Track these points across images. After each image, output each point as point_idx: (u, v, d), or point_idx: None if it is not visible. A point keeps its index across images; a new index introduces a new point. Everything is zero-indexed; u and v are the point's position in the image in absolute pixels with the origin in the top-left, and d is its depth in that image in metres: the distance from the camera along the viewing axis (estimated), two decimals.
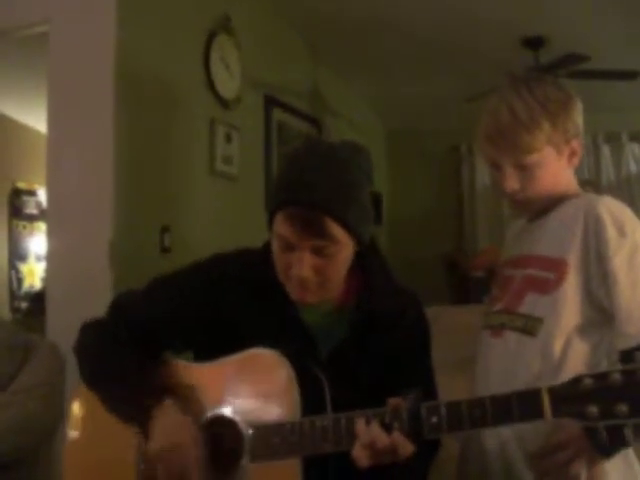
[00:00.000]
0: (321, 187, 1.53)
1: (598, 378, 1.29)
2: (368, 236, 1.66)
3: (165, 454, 1.55)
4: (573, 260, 1.73)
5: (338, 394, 1.63)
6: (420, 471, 1.69)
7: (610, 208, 1.72)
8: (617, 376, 1.27)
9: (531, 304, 1.79)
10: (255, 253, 1.76)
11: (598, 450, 1.45)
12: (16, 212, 7.02)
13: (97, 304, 1.86)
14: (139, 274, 1.89)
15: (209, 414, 1.63)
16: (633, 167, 6.72)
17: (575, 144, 1.86)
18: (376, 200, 1.69)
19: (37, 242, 7.07)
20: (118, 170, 3.43)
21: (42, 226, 6.86)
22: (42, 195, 6.88)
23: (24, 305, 6.84)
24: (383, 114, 7.06)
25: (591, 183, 6.12)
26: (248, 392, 1.61)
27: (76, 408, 1.80)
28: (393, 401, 1.45)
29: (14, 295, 6.95)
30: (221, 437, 1.61)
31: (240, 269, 1.75)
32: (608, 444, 1.31)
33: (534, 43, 5.21)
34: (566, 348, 1.71)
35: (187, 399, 1.65)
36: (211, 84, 4.22)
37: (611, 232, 1.68)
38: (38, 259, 7.05)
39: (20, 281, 7.03)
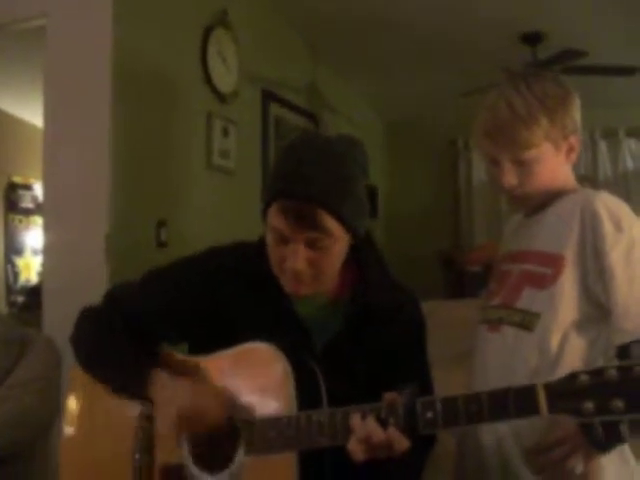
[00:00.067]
0: (318, 180, 1.53)
1: (594, 374, 1.29)
2: (363, 230, 1.66)
3: (186, 406, 1.57)
4: (570, 255, 1.73)
5: (333, 387, 1.62)
6: (416, 466, 1.69)
7: (607, 204, 1.73)
8: (613, 372, 1.27)
9: (528, 299, 1.79)
10: (251, 246, 1.76)
11: (594, 446, 1.45)
12: (12, 206, 7.01)
13: (93, 298, 1.86)
14: (135, 268, 1.89)
15: None
16: (630, 163, 6.71)
17: (573, 140, 1.86)
18: (371, 193, 1.69)
19: (33, 236, 7.06)
20: (114, 164, 3.42)
21: (38, 220, 6.85)
22: (38, 189, 6.88)
23: (20, 299, 6.84)
24: (380, 109, 7.05)
25: (588, 179, 6.13)
26: (244, 386, 1.61)
27: (72, 402, 1.80)
28: (389, 396, 1.45)
29: (10, 289, 6.94)
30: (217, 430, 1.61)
31: (235, 262, 1.75)
32: (604, 440, 1.31)
33: (532, 39, 5.20)
34: (563, 343, 1.72)
35: None
36: (208, 78, 4.21)
37: (608, 227, 1.68)
38: (34, 253, 7.04)
39: (16, 275, 7.02)
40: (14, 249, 7.01)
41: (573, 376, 1.31)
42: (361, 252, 1.73)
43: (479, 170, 6.97)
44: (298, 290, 1.64)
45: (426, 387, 1.70)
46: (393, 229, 6.97)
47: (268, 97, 4.97)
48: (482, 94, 1.99)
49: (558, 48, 4.88)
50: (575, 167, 1.94)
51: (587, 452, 1.53)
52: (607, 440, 1.32)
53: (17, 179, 7.01)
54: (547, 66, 4.92)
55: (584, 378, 1.29)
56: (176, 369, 1.67)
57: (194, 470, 1.59)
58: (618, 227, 1.68)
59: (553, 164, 1.85)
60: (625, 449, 1.71)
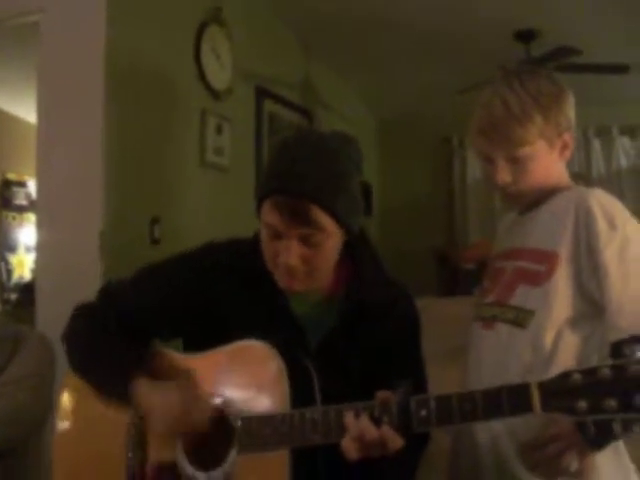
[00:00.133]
0: (311, 177, 1.53)
1: (587, 373, 1.29)
2: (357, 226, 1.66)
3: (166, 407, 1.56)
4: (564, 252, 1.73)
5: (327, 384, 1.63)
6: (410, 464, 1.69)
7: (601, 201, 1.73)
8: (606, 371, 1.27)
9: (522, 296, 1.79)
10: (245, 243, 1.76)
11: (588, 443, 1.45)
12: (5, 203, 7.01)
13: (87, 295, 1.85)
14: (129, 265, 1.89)
15: None
16: (623, 161, 6.73)
17: (567, 137, 1.86)
18: (366, 190, 1.69)
19: (27, 233, 7.06)
20: (108, 161, 3.42)
21: (32, 217, 6.84)
22: (32, 186, 6.87)
23: (13, 296, 6.83)
24: (374, 106, 7.06)
25: (582, 176, 6.13)
26: (238, 384, 1.61)
27: (65, 399, 1.79)
28: (382, 394, 1.45)
29: (3, 286, 6.95)
30: (210, 428, 1.61)
31: (229, 258, 1.75)
32: (596, 438, 1.31)
33: (526, 36, 5.20)
34: (557, 340, 1.72)
35: None
36: (202, 75, 4.21)
37: (602, 225, 1.68)
38: (27, 250, 7.04)
39: (9, 272, 7.02)
40: (7, 246, 7.01)
41: (567, 375, 1.31)
42: (355, 249, 1.73)
43: (473, 168, 6.98)
44: (291, 286, 1.64)
45: (420, 383, 1.71)
46: (387, 226, 6.97)
47: (262, 94, 4.97)
48: (476, 91, 1.99)
49: (552, 46, 4.88)
50: (569, 165, 1.94)
51: (582, 449, 1.53)
52: (600, 437, 1.32)
53: (11, 176, 7.01)
54: (541, 63, 4.92)
55: (577, 377, 1.30)
56: (166, 371, 1.67)
57: (188, 468, 1.59)
58: (612, 224, 1.68)
59: (547, 161, 1.85)
60: (619, 445, 1.71)
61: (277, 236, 1.58)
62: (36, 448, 2.55)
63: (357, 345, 1.69)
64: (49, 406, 2.42)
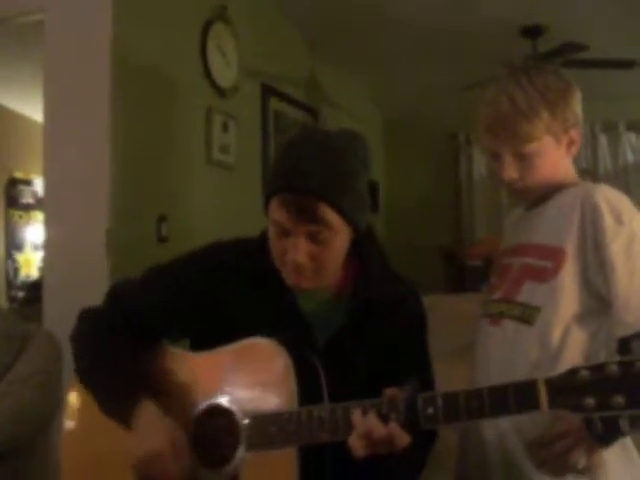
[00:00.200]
0: (317, 175, 1.53)
1: (595, 370, 1.29)
2: (364, 224, 1.66)
3: (143, 462, 1.54)
4: (570, 248, 1.73)
5: (334, 382, 1.62)
6: (417, 462, 1.69)
7: (607, 196, 1.73)
8: (614, 367, 1.27)
9: (529, 293, 1.79)
10: (252, 241, 1.76)
11: (596, 440, 1.45)
12: (12, 202, 7.02)
13: (94, 293, 1.86)
14: (136, 263, 1.89)
15: (205, 403, 1.63)
16: (630, 156, 6.71)
17: (574, 133, 1.86)
18: (372, 188, 1.69)
19: (33, 231, 7.07)
20: (115, 159, 3.42)
21: (38, 215, 6.86)
22: (38, 184, 6.88)
23: (21, 294, 6.85)
24: (380, 103, 7.05)
25: (589, 172, 6.13)
26: (245, 381, 1.61)
27: (73, 397, 1.80)
28: (390, 392, 1.45)
29: (11, 284, 6.96)
30: (217, 427, 1.61)
31: (237, 258, 1.75)
32: (604, 434, 1.31)
33: (532, 32, 5.19)
34: (564, 337, 1.72)
35: (180, 390, 1.66)
36: (208, 73, 4.21)
37: (608, 220, 1.68)
38: (34, 248, 7.05)
39: (17, 270, 7.03)
40: (14, 244, 7.02)
41: (574, 371, 1.31)
42: (362, 247, 1.73)
43: (480, 164, 6.98)
44: (299, 283, 1.64)
45: (427, 380, 1.71)
46: (394, 223, 6.96)
47: (268, 91, 4.97)
48: (483, 88, 1.99)
49: (558, 42, 4.87)
50: (575, 161, 1.94)
51: (590, 446, 1.53)
52: (607, 434, 1.32)
53: (18, 174, 7.01)
54: (547, 59, 4.91)
55: (585, 373, 1.29)
56: (171, 372, 1.68)
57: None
58: (618, 220, 1.68)
59: (554, 157, 1.84)
60: (627, 441, 1.71)
61: (285, 234, 1.58)
62: (43, 446, 2.55)
63: (364, 343, 1.69)
64: (56, 404, 2.42)
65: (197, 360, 1.69)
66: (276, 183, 1.59)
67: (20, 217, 7.09)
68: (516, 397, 1.35)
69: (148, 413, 1.59)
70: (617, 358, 1.29)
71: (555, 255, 1.76)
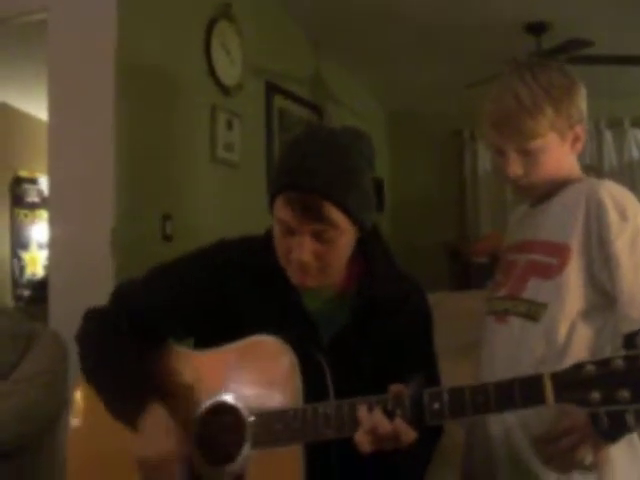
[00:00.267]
0: (321, 173, 1.53)
1: (600, 364, 1.29)
2: (370, 222, 1.66)
3: (146, 464, 1.55)
4: (575, 245, 1.73)
5: (340, 380, 1.63)
6: (423, 457, 1.69)
7: (612, 192, 1.72)
8: (619, 362, 1.27)
9: (534, 289, 1.79)
10: (257, 240, 1.75)
11: (602, 436, 1.45)
12: (18, 201, 7.03)
13: (99, 292, 1.86)
14: (141, 262, 1.89)
15: (210, 401, 1.63)
16: (635, 153, 6.70)
17: (578, 130, 1.86)
18: (378, 186, 1.68)
19: (39, 230, 7.08)
20: (119, 158, 3.43)
21: (43, 214, 6.86)
22: (43, 183, 6.88)
23: (26, 293, 6.86)
24: (384, 100, 7.04)
25: (594, 169, 6.11)
26: (250, 379, 1.61)
27: (79, 396, 1.80)
28: (395, 388, 1.45)
29: (16, 283, 6.97)
30: (222, 424, 1.61)
31: (242, 256, 1.74)
32: (610, 429, 1.31)
33: (537, 28, 5.18)
34: (570, 333, 1.71)
35: (186, 389, 1.66)
36: (212, 71, 4.21)
37: (613, 216, 1.68)
38: (40, 247, 7.06)
39: (22, 269, 7.04)
40: (20, 243, 7.03)
41: (579, 366, 1.31)
42: (368, 245, 1.73)
43: (484, 160, 6.97)
44: (304, 281, 1.63)
45: (433, 377, 1.71)
46: (398, 221, 6.96)
47: (272, 89, 4.97)
48: (487, 84, 1.99)
49: (563, 38, 4.86)
50: (580, 157, 1.94)
51: (596, 442, 1.53)
52: (613, 429, 1.32)
53: (23, 173, 7.02)
54: (552, 56, 4.89)
55: (590, 368, 1.29)
56: (176, 370, 1.68)
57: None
58: (623, 216, 1.68)
59: (558, 154, 1.84)
60: (634, 437, 1.71)
61: (290, 232, 1.58)
62: (49, 445, 2.56)
63: (369, 341, 1.69)
64: (62, 403, 2.43)
65: (202, 358, 1.70)
66: (281, 181, 1.58)
67: (25, 216, 7.10)
68: (522, 391, 1.35)
69: (154, 414, 1.59)
70: (622, 353, 1.29)
71: (560, 251, 1.75)
